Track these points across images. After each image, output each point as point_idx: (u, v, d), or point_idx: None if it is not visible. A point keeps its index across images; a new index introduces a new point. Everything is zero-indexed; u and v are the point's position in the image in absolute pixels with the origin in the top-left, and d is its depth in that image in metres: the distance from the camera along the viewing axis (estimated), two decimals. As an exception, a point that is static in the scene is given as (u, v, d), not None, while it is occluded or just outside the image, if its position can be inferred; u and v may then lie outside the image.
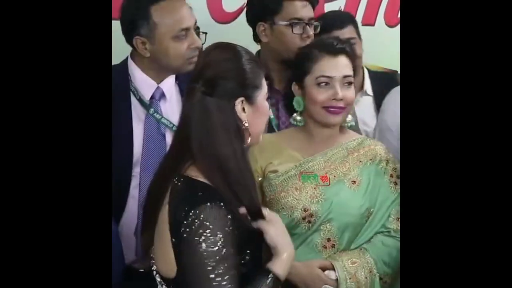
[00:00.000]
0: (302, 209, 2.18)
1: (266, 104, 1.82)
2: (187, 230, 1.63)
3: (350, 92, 2.23)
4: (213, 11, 3.19)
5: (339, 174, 2.23)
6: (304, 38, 2.64)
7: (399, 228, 2.21)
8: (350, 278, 2.15)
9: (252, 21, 2.78)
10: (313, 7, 2.75)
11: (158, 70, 2.36)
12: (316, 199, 2.20)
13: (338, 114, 2.23)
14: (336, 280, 2.15)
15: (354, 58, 2.28)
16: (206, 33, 2.70)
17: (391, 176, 2.27)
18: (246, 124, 1.76)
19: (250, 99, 1.77)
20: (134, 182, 2.32)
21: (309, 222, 2.19)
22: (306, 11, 2.68)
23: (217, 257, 1.62)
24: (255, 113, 1.78)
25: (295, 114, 2.29)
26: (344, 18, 2.93)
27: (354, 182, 2.23)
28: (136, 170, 2.32)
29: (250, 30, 2.80)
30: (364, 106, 3.01)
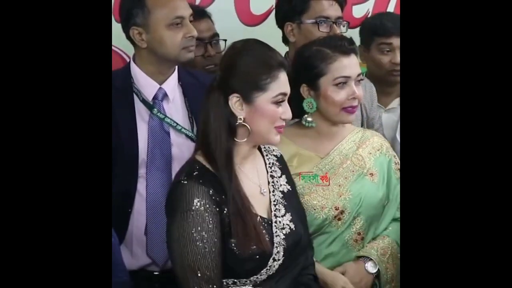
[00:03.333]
0: (333, 208, 2.22)
1: (271, 108, 1.87)
2: None
3: (360, 90, 2.26)
4: (241, 14, 3.22)
5: (357, 169, 2.28)
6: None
7: None
8: (387, 269, 2.23)
9: (280, 21, 2.79)
10: (341, 8, 2.75)
11: (157, 64, 2.37)
12: (344, 196, 2.24)
13: (353, 113, 2.27)
14: (376, 275, 2.22)
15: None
16: (225, 40, 2.73)
17: (396, 163, 2.33)
18: (240, 121, 1.87)
19: (247, 98, 1.87)
20: (141, 183, 2.33)
21: (339, 219, 2.22)
22: (333, 10, 2.70)
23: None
24: (253, 113, 1.87)
25: (306, 116, 2.29)
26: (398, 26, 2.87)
27: (372, 174, 2.28)
28: (142, 171, 2.33)
29: (278, 32, 2.81)
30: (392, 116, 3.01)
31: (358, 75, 2.24)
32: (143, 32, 2.32)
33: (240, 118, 1.88)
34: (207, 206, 1.83)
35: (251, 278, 1.87)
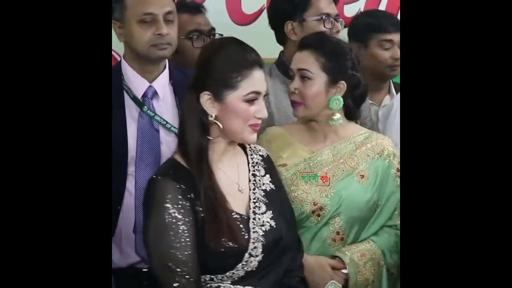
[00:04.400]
0: (312, 203, 2.23)
1: (242, 106, 1.88)
2: None
3: (306, 87, 2.26)
4: (232, 13, 3.25)
5: (348, 168, 2.28)
6: (334, 33, 2.68)
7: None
8: (359, 272, 2.21)
9: (278, 21, 2.79)
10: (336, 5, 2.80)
11: (139, 61, 2.39)
12: (325, 193, 2.24)
13: (296, 107, 2.30)
14: (346, 274, 2.20)
15: (324, 53, 2.29)
16: (222, 35, 2.74)
17: (398, 170, 2.29)
18: (211, 118, 1.89)
19: (217, 96, 1.88)
20: (130, 181, 2.34)
21: (319, 215, 2.23)
22: (332, 8, 2.75)
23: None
24: (224, 111, 1.89)
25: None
26: (395, 23, 2.95)
27: (362, 176, 2.27)
28: (131, 169, 2.34)
29: (268, 32, 2.82)
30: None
31: (300, 69, 2.27)
32: (121, 26, 2.34)
33: (211, 116, 1.89)
34: (179, 201, 1.86)
35: (227, 274, 1.87)
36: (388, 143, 2.35)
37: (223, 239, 1.85)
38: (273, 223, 1.95)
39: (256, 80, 1.89)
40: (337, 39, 2.42)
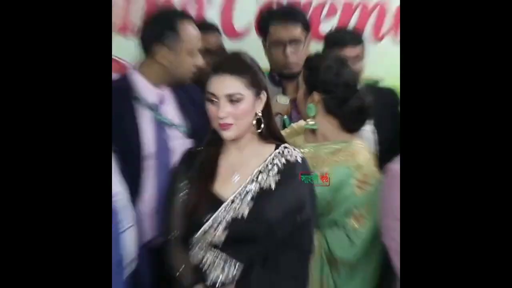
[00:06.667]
0: None
1: (207, 104, 2.07)
2: None
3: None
4: (225, 27, 3.46)
5: (318, 168, 2.36)
6: (285, 57, 2.97)
7: (356, 227, 2.36)
8: None
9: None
10: (304, 27, 3.00)
11: (164, 80, 2.64)
12: None
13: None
14: None
15: (306, 67, 2.51)
16: None
17: (360, 181, 2.37)
18: None
19: None
20: (151, 172, 2.58)
21: None
22: (285, 32, 2.97)
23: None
24: None
25: None
26: (348, 38, 3.00)
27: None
28: (151, 162, 2.56)
29: (259, 46, 3.09)
30: None
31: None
32: (167, 52, 2.58)
33: None
34: (183, 176, 2.15)
35: (193, 239, 2.08)
36: (361, 156, 2.41)
37: (188, 206, 2.08)
38: (245, 213, 2.05)
39: (212, 83, 2.03)
40: (329, 55, 2.59)
